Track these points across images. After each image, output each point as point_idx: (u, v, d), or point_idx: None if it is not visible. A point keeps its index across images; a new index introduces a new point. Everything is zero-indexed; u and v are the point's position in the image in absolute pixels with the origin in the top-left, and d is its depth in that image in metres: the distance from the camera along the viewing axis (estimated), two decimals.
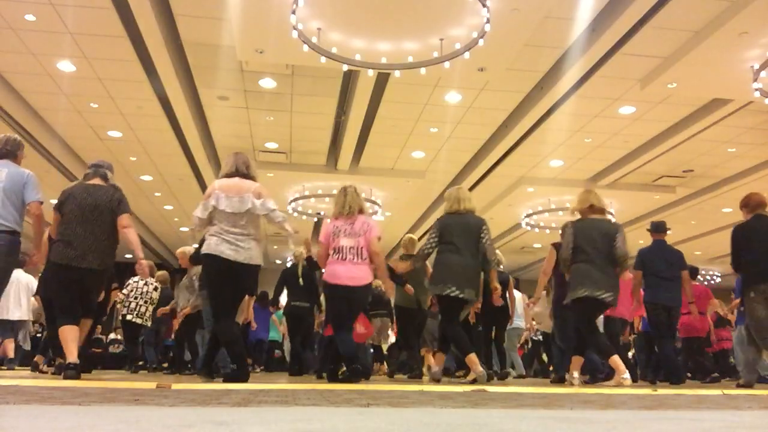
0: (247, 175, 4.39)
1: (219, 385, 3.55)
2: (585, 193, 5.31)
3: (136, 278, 8.42)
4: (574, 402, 2.58)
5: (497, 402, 2.50)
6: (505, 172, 11.80)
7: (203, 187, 12.62)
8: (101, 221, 4.46)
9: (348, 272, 4.71)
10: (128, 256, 8.55)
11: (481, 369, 4.92)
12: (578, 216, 5.22)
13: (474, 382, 4.96)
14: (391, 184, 12.28)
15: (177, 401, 2.18)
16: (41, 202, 4.50)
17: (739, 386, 5.21)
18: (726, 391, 3.97)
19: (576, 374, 5.18)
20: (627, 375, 4.85)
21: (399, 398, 2.56)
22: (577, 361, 5.26)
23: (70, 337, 4.32)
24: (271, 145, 10.88)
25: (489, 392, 3.32)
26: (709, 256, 17.36)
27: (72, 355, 4.27)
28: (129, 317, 8.35)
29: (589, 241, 5.01)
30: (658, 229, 6.48)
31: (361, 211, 4.91)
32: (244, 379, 4.11)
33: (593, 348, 5.30)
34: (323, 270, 4.97)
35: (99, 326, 14.33)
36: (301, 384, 4.11)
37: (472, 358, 4.93)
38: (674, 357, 6.19)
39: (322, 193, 12.38)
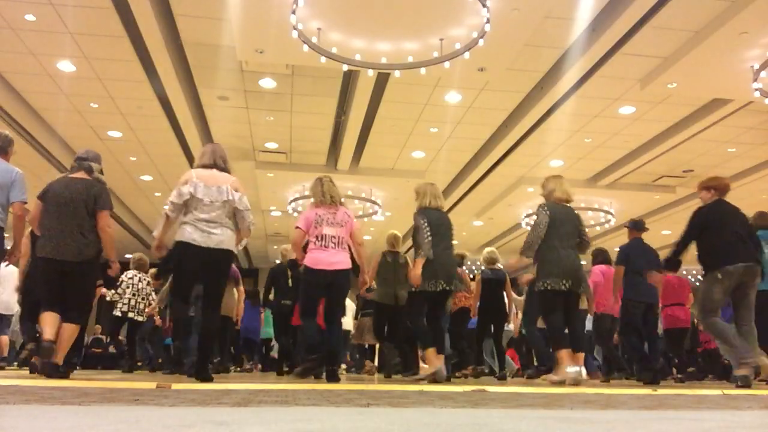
0: (224, 170, 4.48)
1: (219, 385, 3.55)
2: (557, 180, 5.34)
3: (129, 273, 8.35)
4: (574, 402, 2.58)
5: (497, 402, 2.50)
6: (505, 172, 11.80)
7: None
8: (76, 215, 4.45)
9: (330, 257, 4.84)
10: (128, 255, 8.59)
11: (439, 364, 4.99)
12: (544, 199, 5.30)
13: (433, 378, 4.99)
14: (391, 184, 12.29)
15: (177, 401, 2.18)
16: (25, 203, 4.52)
17: (738, 386, 5.21)
18: (726, 391, 3.97)
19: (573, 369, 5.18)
20: (575, 368, 4.88)
21: (399, 398, 2.56)
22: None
23: (49, 321, 4.31)
24: (271, 145, 10.88)
25: (489, 392, 3.32)
26: None
27: (47, 334, 4.25)
28: (131, 315, 8.28)
29: (561, 227, 5.08)
30: (638, 226, 6.52)
31: (341, 203, 5.05)
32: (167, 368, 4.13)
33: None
34: (299, 259, 5.05)
35: (98, 326, 14.35)
36: (301, 384, 4.11)
37: (432, 353, 5.03)
38: (642, 350, 6.20)
39: None
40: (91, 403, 2.02)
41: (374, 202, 12.96)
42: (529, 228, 14.90)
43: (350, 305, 9.94)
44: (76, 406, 1.94)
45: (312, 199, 5.11)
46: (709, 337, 9.28)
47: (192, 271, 4.31)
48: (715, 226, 5.16)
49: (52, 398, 2.24)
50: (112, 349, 12.65)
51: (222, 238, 4.29)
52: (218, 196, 4.30)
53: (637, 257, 6.18)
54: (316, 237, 4.88)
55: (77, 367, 6.94)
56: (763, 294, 5.72)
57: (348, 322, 9.76)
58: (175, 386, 3.23)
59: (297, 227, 4.99)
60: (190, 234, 4.23)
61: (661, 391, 3.85)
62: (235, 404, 2.10)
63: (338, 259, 4.87)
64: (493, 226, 15.44)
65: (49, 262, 4.39)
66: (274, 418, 1.66)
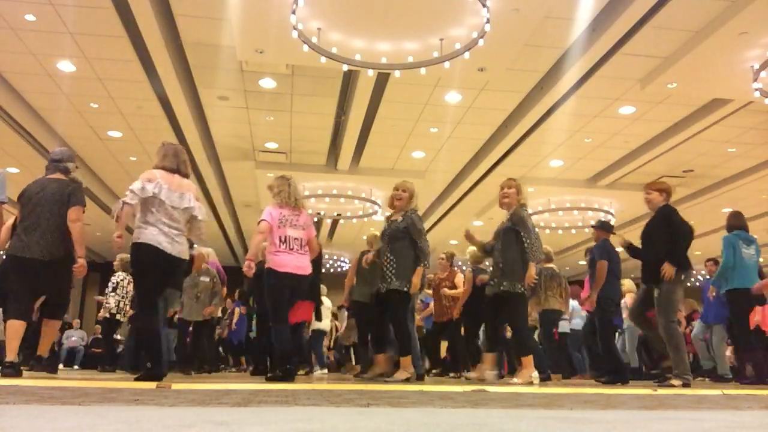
0: (186, 175, 4.49)
1: (219, 385, 3.55)
2: (521, 183, 5.46)
3: (120, 275, 8.39)
4: (574, 402, 2.58)
5: (497, 402, 2.50)
6: (505, 172, 11.74)
7: (203, 187, 12.61)
8: (50, 214, 4.48)
9: (296, 261, 4.83)
10: (122, 254, 8.59)
11: (413, 369, 5.18)
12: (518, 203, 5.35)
13: (407, 380, 5.05)
14: (391, 184, 12.05)
15: (177, 401, 2.18)
16: (3, 202, 4.56)
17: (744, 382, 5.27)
18: (726, 391, 3.98)
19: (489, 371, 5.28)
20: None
21: (399, 398, 2.56)
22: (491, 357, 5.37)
23: (13, 333, 4.33)
24: (271, 145, 10.88)
25: (489, 392, 3.32)
26: (709, 257, 17.34)
27: (9, 353, 4.28)
28: (117, 317, 8.34)
29: None
30: (609, 228, 6.66)
31: (303, 206, 5.06)
32: (158, 378, 4.09)
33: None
34: (253, 255, 4.94)
35: (98, 326, 14.35)
36: (301, 384, 4.11)
37: (409, 360, 5.18)
38: (619, 354, 6.22)
39: (322, 194, 12.37)
40: (91, 403, 2.02)
41: (374, 202, 12.95)
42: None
43: (328, 305, 10.07)
44: (76, 406, 1.94)
45: (276, 198, 4.98)
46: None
47: (154, 274, 4.25)
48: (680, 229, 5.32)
49: (52, 398, 2.24)
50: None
51: (183, 248, 4.31)
52: (180, 203, 4.27)
53: (613, 258, 6.22)
54: (280, 238, 4.81)
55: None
56: (735, 292, 5.81)
57: (326, 324, 9.89)
58: (175, 386, 3.24)
59: (264, 220, 4.83)
60: (155, 236, 4.15)
61: (661, 391, 3.86)
62: (235, 404, 2.10)
63: (304, 264, 4.88)
64: (493, 226, 15.26)
65: (17, 260, 4.43)
66: (274, 418, 1.66)
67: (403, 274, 5.07)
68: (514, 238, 5.08)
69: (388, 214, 5.58)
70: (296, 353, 5.27)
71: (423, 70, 6.96)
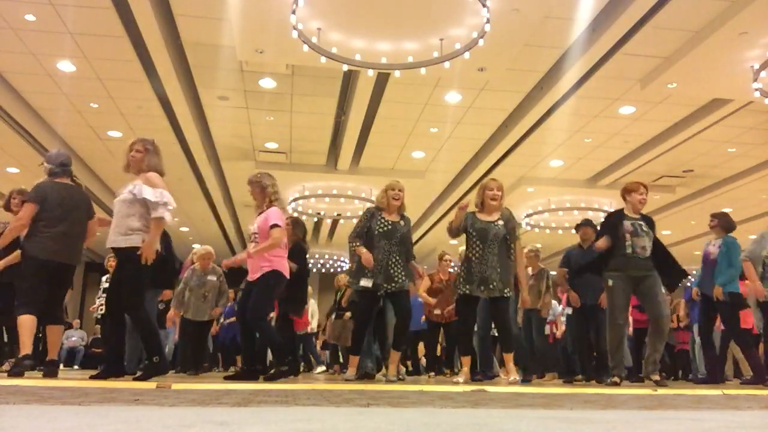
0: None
1: (219, 385, 3.55)
2: None
3: None
4: (574, 402, 2.58)
5: (497, 402, 2.50)
6: (505, 172, 11.79)
7: (203, 187, 12.62)
8: (75, 219, 4.58)
9: None
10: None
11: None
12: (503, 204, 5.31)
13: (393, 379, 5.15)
14: None
15: (177, 401, 2.18)
16: None
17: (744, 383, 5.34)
18: (726, 391, 3.98)
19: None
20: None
21: (399, 398, 2.56)
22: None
23: (27, 328, 4.32)
24: (271, 145, 10.88)
25: (489, 392, 3.32)
26: None
27: (26, 347, 4.30)
28: None
29: None
30: (594, 226, 6.67)
31: None
32: (163, 372, 4.15)
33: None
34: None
35: (98, 326, 14.36)
36: (301, 384, 4.11)
37: (396, 358, 5.32)
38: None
39: (322, 193, 12.38)
40: (91, 403, 2.02)
41: (374, 202, 12.95)
42: (528, 228, 14.87)
43: (314, 306, 10.10)
44: (76, 406, 1.94)
45: (275, 199, 4.95)
46: (687, 338, 9.49)
47: (148, 275, 4.36)
48: None
49: (52, 398, 2.24)
50: None
51: None
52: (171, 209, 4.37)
53: None
54: (284, 245, 4.83)
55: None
56: (735, 295, 5.88)
57: (312, 324, 9.97)
58: (175, 386, 3.24)
59: (280, 227, 4.73)
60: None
61: (661, 391, 3.86)
62: (235, 404, 2.10)
63: None
64: None
65: (44, 263, 4.41)
66: (274, 418, 1.66)
67: (409, 275, 5.23)
68: (506, 245, 5.11)
69: (371, 208, 5.54)
70: (291, 350, 5.26)
71: (423, 70, 6.96)
